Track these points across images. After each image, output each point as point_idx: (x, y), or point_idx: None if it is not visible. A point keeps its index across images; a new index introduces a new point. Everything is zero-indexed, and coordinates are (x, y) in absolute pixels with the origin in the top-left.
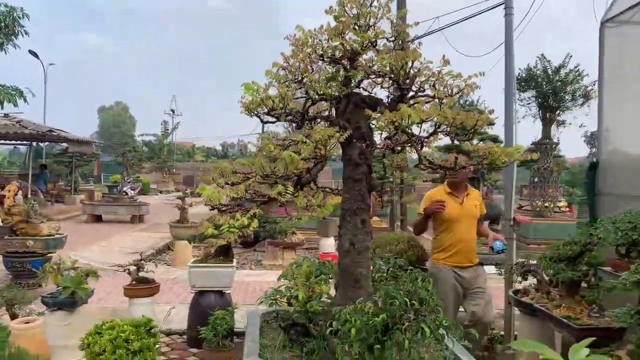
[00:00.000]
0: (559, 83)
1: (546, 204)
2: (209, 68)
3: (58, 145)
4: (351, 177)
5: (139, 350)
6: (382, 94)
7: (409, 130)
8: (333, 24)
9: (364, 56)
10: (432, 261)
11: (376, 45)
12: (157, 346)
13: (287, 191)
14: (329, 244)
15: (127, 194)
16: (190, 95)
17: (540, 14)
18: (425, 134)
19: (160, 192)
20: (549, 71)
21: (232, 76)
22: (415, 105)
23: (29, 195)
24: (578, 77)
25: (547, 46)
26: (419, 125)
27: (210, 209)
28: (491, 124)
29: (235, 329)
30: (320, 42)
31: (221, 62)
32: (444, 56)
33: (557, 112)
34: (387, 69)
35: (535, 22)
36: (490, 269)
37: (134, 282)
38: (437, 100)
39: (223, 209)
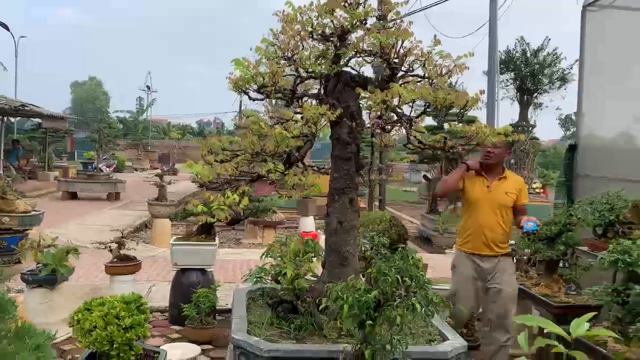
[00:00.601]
0: (537, 66)
1: None
2: (185, 44)
3: (30, 121)
4: (340, 156)
5: (131, 326)
6: (368, 72)
7: (400, 110)
8: (323, 1)
9: (354, 34)
10: (455, 247)
11: (366, 23)
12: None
13: (277, 169)
14: (309, 223)
15: (102, 171)
16: (166, 71)
17: None
18: (414, 114)
19: (136, 169)
20: (528, 54)
21: (210, 53)
22: (406, 84)
23: (1, 172)
24: (556, 60)
25: (527, 29)
26: (411, 105)
27: (199, 186)
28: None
29: (217, 307)
30: (310, 19)
31: (198, 38)
32: (435, 36)
33: (534, 95)
34: (378, 47)
35: (516, 4)
36: None
37: (115, 260)
38: (427, 80)
39: (212, 186)
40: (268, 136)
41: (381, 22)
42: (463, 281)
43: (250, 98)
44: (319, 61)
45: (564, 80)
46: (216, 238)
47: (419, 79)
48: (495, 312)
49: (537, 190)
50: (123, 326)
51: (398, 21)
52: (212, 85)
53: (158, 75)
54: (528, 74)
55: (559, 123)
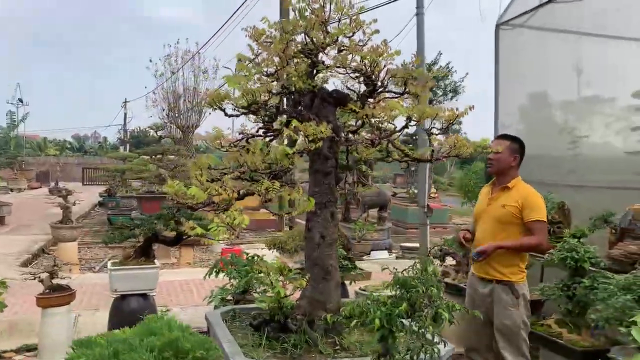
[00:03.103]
0: (432, 78)
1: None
2: (56, 52)
3: None
4: (320, 171)
5: None
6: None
7: (390, 124)
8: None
9: (332, 51)
10: None
11: (337, 41)
12: None
13: (274, 186)
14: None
15: None
16: (35, 82)
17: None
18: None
19: (12, 190)
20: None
21: (84, 62)
22: (397, 100)
23: None
24: (448, 73)
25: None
26: (411, 120)
27: (188, 207)
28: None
29: None
30: (285, 36)
31: (69, 46)
32: (417, 54)
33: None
34: (362, 64)
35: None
36: (382, 254)
37: (47, 291)
38: (413, 95)
39: (198, 207)
40: (254, 153)
41: (349, 38)
42: (467, 302)
43: (226, 114)
44: (301, 77)
45: (456, 92)
46: (156, 260)
47: (400, 95)
48: (496, 347)
49: (433, 195)
50: None
51: (365, 39)
52: (89, 97)
53: (26, 87)
54: None
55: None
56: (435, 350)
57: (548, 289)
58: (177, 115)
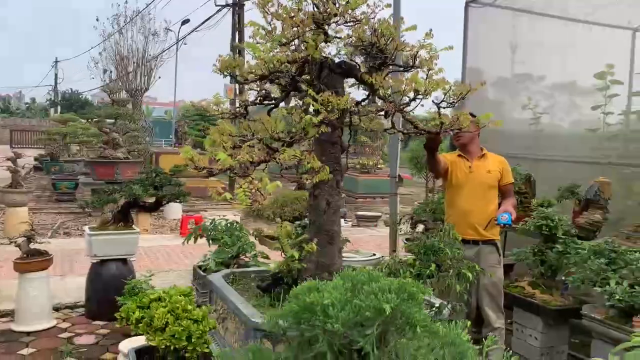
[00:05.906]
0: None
1: (370, 162)
2: None
3: None
4: (327, 140)
5: (202, 318)
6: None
7: (406, 96)
8: None
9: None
10: None
11: (347, 12)
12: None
13: (296, 154)
14: (175, 206)
15: None
16: None
17: None
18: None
19: None
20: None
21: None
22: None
23: None
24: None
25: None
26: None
27: (209, 173)
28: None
29: None
30: (299, 4)
31: None
32: (430, 30)
33: None
34: (374, 37)
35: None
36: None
37: (25, 255)
38: (425, 70)
39: (214, 173)
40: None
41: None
42: None
43: (237, 82)
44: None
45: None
46: (134, 225)
47: (409, 68)
48: (477, 304)
49: (381, 167)
50: (194, 318)
51: (369, 12)
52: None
53: None
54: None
55: None
56: (464, 305)
57: (523, 254)
58: (124, 76)
